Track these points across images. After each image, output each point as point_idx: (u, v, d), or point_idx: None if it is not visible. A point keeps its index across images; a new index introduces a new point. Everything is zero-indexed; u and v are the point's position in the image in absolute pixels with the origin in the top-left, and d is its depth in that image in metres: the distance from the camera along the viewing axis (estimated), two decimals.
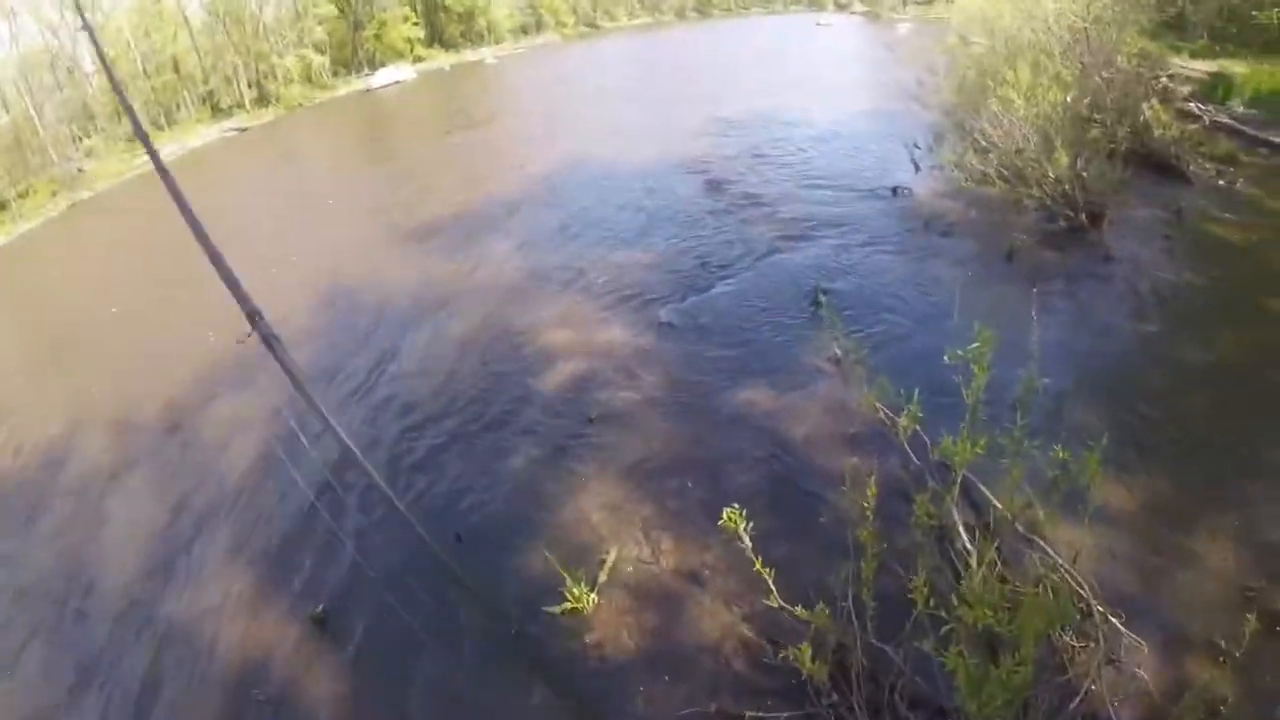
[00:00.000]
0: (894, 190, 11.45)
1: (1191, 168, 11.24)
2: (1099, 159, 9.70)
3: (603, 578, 4.74)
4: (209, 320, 11.85)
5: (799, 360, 7.24)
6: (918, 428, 4.37)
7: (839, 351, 6.68)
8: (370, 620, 5.22)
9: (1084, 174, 9.61)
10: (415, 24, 38.44)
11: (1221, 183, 11.09)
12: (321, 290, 11.46)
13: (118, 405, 9.76)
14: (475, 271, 10.91)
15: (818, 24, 35.61)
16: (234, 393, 9.23)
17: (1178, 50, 17.27)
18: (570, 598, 4.58)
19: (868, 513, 3.76)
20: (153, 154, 4.26)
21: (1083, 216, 9.51)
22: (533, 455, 6.44)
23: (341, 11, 36.68)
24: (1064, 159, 9.41)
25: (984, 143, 10.65)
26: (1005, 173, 10.02)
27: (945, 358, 4.11)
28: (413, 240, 12.69)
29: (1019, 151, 9.98)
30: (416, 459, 6.85)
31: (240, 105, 32.25)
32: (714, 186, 13.10)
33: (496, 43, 39.01)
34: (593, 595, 4.64)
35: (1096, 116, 10.74)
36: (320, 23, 35.85)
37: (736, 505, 4.28)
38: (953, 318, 7.81)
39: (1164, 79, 14.28)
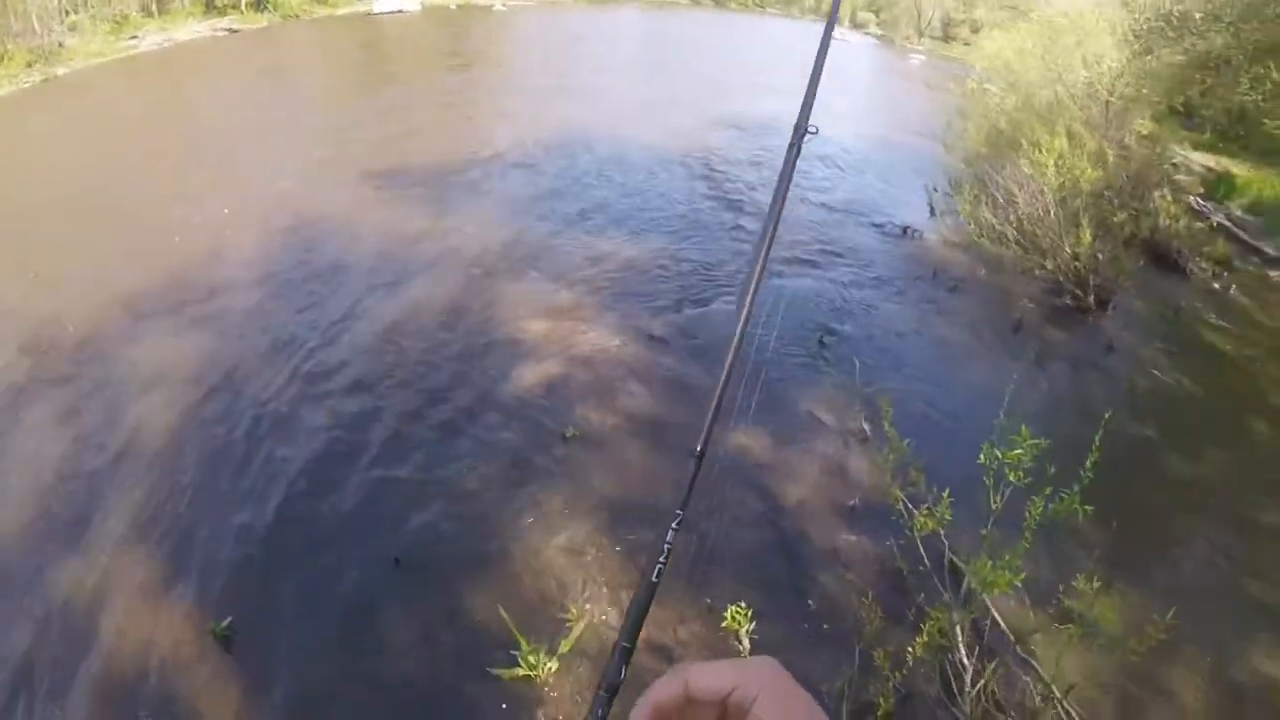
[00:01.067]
0: (904, 230, 10.86)
1: (1190, 265, 10.98)
2: (1115, 243, 9.31)
3: (565, 647, 3.99)
4: (185, 211, 10.46)
5: (797, 407, 6.55)
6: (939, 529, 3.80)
7: (866, 426, 6.04)
8: (282, 645, 4.32)
9: (1099, 255, 9.20)
10: None
11: (1217, 286, 10.86)
12: (282, 226, 10.04)
13: (57, 299, 8.19)
14: (453, 234, 9.83)
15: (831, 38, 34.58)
16: (194, 307, 8.07)
17: (1179, 140, 16.99)
18: (524, 664, 3.84)
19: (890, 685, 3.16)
20: None
21: (1091, 298, 9.10)
22: (495, 471, 5.56)
23: None
24: (1088, 237, 8.97)
25: (1004, 201, 10.19)
26: (1021, 238, 9.56)
27: (980, 457, 3.57)
28: (390, 185, 11.56)
29: (1040, 220, 9.51)
30: (358, 456, 5.80)
31: (235, 6, 30.23)
32: (720, 187, 12.22)
33: None
34: (550, 664, 3.92)
35: (1106, 193, 10.33)
36: None
37: (742, 601, 3.66)
38: (953, 386, 7.31)
39: (1167, 168, 14.01)
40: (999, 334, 8.39)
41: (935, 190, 11.23)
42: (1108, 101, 13.95)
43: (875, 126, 17.72)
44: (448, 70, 20.71)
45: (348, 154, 13.01)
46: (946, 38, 31.00)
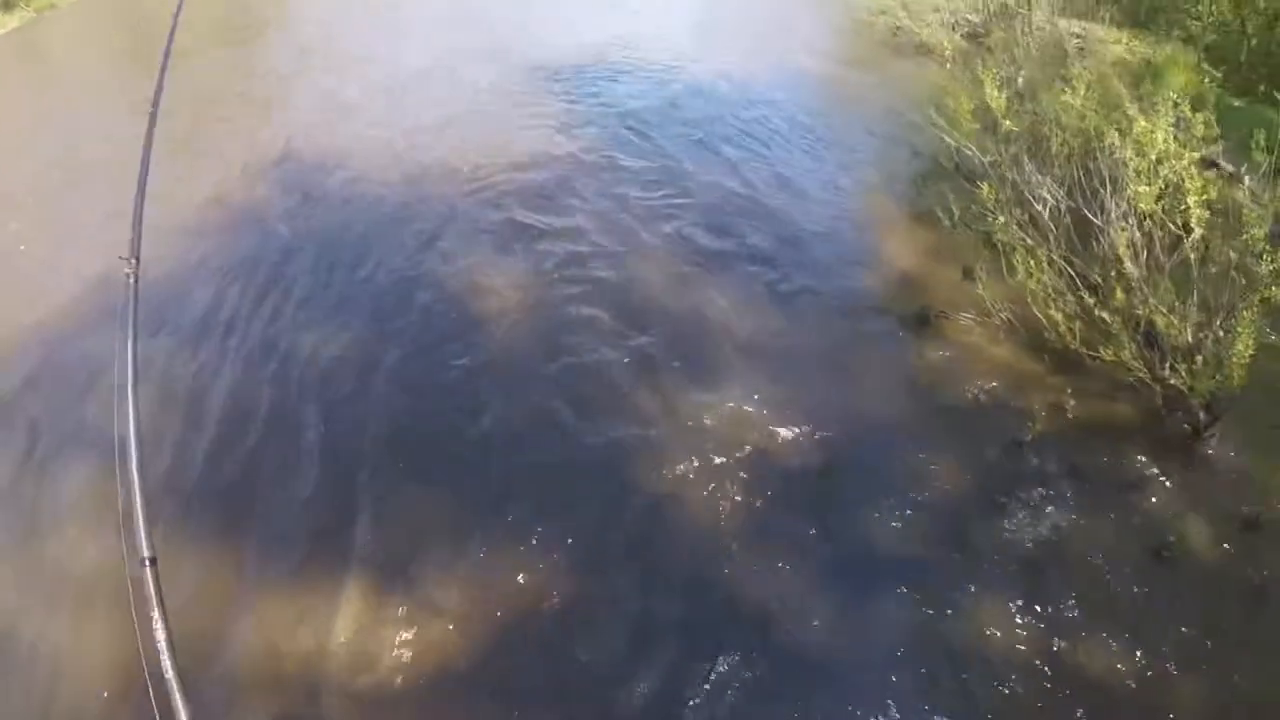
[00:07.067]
0: (922, 316, 5.28)
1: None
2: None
3: None
4: None
5: None
6: None
7: None
8: None
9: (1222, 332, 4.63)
10: None
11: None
12: None
13: None
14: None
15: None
16: None
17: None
18: None
19: None
20: None
21: (1206, 415, 4.58)
22: None
23: None
24: (1246, 339, 4.29)
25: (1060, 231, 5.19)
26: (1132, 331, 4.75)
27: None
28: None
29: (1145, 294, 4.72)
30: None
31: None
32: (566, 263, 5.74)
33: None
34: None
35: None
36: None
37: None
38: None
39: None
40: (1150, 588, 3.74)
41: (960, 225, 5.79)
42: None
43: (776, 56, 11.00)
44: (230, 45, 12.13)
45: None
46: None
